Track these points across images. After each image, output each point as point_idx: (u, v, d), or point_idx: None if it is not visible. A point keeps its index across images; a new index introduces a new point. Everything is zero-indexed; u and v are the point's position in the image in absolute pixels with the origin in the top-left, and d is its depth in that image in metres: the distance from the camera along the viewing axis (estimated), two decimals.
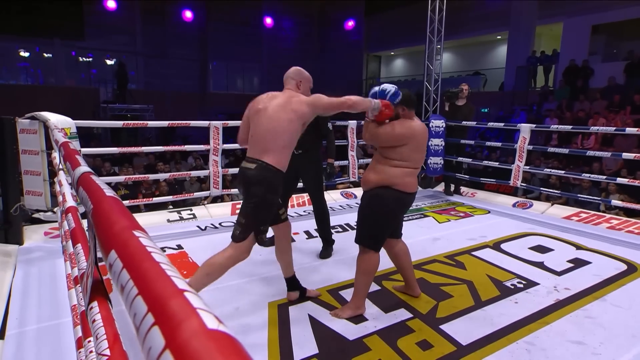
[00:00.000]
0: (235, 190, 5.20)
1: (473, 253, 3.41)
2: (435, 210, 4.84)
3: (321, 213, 3.38)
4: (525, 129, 4.92)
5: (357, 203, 5.19)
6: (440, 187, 6.10)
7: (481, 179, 5.53)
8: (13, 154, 3.36)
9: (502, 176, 5.46)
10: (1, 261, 2.99)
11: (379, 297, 2.62)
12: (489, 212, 4.82)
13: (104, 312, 0.81)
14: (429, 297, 2.62)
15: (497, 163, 5.85)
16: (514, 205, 5.11)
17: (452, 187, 5.78)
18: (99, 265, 0.95)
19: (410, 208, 4.92)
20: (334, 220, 4.30)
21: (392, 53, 18.85)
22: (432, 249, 3.49)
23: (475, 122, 5.51)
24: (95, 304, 0.84)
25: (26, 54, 14.36)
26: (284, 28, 18.09)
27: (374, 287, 2.75)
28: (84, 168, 0.90)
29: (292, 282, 2.56)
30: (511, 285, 2.81)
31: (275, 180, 2.14)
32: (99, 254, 0.57)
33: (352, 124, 5.34)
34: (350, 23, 17.64)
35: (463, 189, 5.82)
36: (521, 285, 2.80)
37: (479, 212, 4.79)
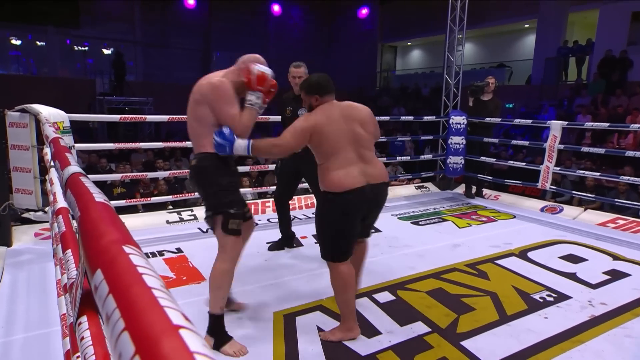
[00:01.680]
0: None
1: (497, 262, 3.35)
2: (455, 214, 4.78)
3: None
4: (556, 126, 4.82)
5: None
6: (460, 189, 6.02)
7: (506, 180, 5.44)
8: (2, 149, 3.38)
9: (528, 178, 5.37)
10: None
11: (394, 308, 2.59)
12: (514, 216, 4.75)
13: (94, 328, 0.78)
14: (449, 309, 2.57)
15: (524, 163, 5.75)
16: (542, 210, 5.02)
17: (474, 189, 5.70)
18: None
19: (428, 211, 4.93)
20: None
21: (409, 43, 18.71)
22: (451, 257, 3.44)
23: (500, 119, 5.42)
24: (84, 318, 0.82)
25: (18, 42, 14.52)
26: (292, 16, 18.05)
27: (388, 297, 2.72)
28: (73, 168, 0.87)
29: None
30: (540, 298, 2.75)
31: (217, 164, 2.14)
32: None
33: None
34: (364, 11, 17.53)
35: (485, 191, 5.74)
36: (551, 299, 2.74)
37: (503, 217, 4.73)
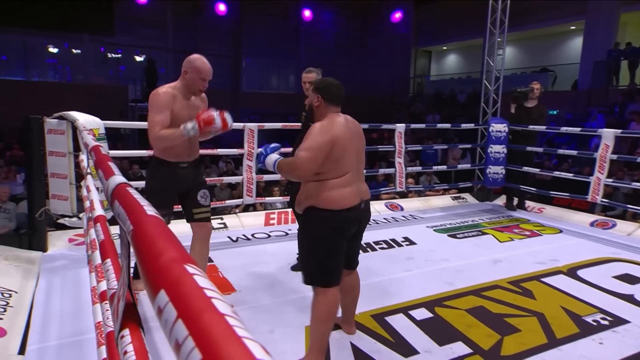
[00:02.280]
0: (269, 199, 5.22)
1: (543, 279, 3.23)
2: (495, 227, 4.66)
3: None
4: (608, 135, 4.63)
5: (403, 216, 5.11)
6: (500, 201, 5.86)
7: (551, 192, 5.25)
8: (40, 155, 3.52)
9: (575, 189, 5.16)
10: (25, 269, 3.12)
11: (432, 327, 2.53)
12: (561, 231, 4.58)
13: (137, 343, 0.79)
14: (491, 329, 2.49)
15: (571, 174, 5.54)
16: (591, 225, 4.82)
17: (515, 201, 5.54)
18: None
19: (466, 223, 4.82)
20: (376, 235, 4.25)
21: (445, 48, 18.52)
22: (492, 273, 3.35)
23: (545, 127, 5.25)
24: (126, 331, 0.82)
25: (55, 50, 15.24)
26: (323, 21, 18.19)
27: (425, 314, 2.67)
28: (119, 178, 0.89)
29: None
30: (593, 321, 2.62)
31: (152, 166, 2.58)
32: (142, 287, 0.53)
33: (400, 127, 5.24)
34: (398, 15, 17.46)
35: (528, 203, 5.56)
36: (606, 322, 2.60)
37: (549, 231, 4.57)
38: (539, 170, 5.61)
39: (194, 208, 2.65)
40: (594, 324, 2.59)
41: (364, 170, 2.25)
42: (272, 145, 2.21)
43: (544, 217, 5.18)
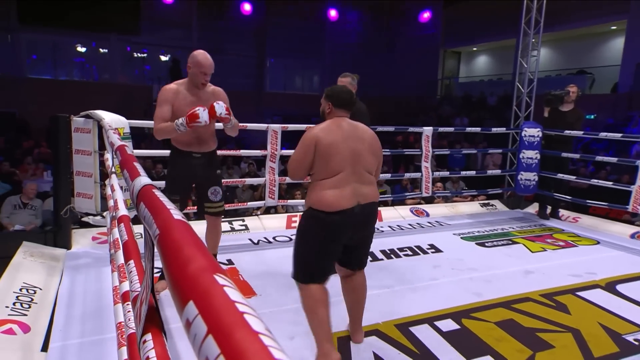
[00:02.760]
0: (291, 201, 5.22)
1: (578, 293, 3.13)
2: (527, 237, 4.54)
3: None
4: None
5: (429, 222, 5.04)
6: (532, 209, 5.72)
7: (588, 201, 5.08)
8: (66, 153, 3.61)
9: (613, 198, 4.98)
10: (49, 266, 3.20)
11: (459, 339, 2.47)
12: (598, 242, 4.44)
13: (159, 348, 0.79)
14: (522, 344, 2.42)
15: (610, 182, 5.35)
16: (632, 237, 4.64)
17: (548, 209, 5.39)
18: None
19: (495, 231, 4.72)
20: (401, 241, 4.21)
21: (474, 49, 18.25)
22: (523, 284, 3.26)
23: (581, 132, 5.09)
24: (149, 336, 0.82)
25: (83, 49, 15.70)
26: (349, 21, 18.17)
27: (452, 325, 2.61)
28: (144, 179, 0.89)
29: None
30: (635, 340, 2.51)
31: (171, 153, 2.91)
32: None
33: (427, 130, 5.17)
34: (426, 15, 17.30)
35: (562, 212, 5.40)
36: None
37: (585, 242, 4.42)
38: (574, 177, 5.45)
39: (205, 202, 2.96)
40: (636, 343, 2.48)
41: (379, 174, 2.32)
42: None
43: (579, 227, 5.03)
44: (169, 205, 0.70)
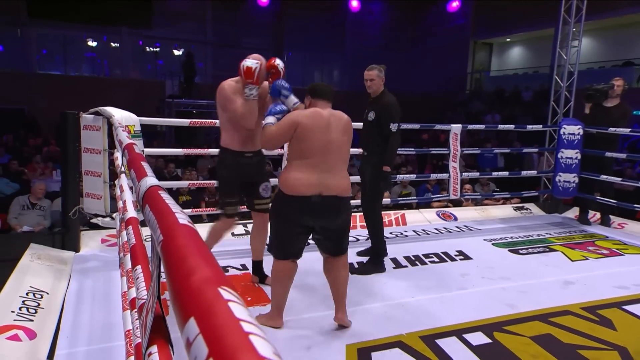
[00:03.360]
0: None
1: (625, 307, 3.03)
2: (566, 244, 4.44)
3: (372, 225, 3.60)
4: None
5: (457, 227, 4.97)
6: (572, 213, 5.59)
7: (635, 205, 4.93)
8: (75, 152, 3.67)
9: None
10: (57, 269, 3.25)
11: (490, 354, 2.43)
12: None
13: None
14: None
15: None
16: None
17: (596, 215, 5.25)
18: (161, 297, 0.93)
19: (530, 238, 4.62)
20: (427, 247, 4.18)
21: (508, 39, 17.97)
22: (562, 296, 3.18)
23: (628, 129, 4.94)
24: (154, 348, 0.81)
25: (94, 44, 16.03)
26: (372, 12, 18.10)
27: (483, 339, 2.57)
28: (151, 180, 0.88)
29: (258, 268, 3.26)
30: None
31: (220, 156, 3.01)
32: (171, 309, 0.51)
33: (456, 128, 5.10)
34: (455, 3, 17.10)
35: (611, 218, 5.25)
36: None
37: (632, 251, 4.29)
38: (619, 179, 5.29)
39: (256, 199, 3.11)
40: None
41: (345, 166, 2.55)
42: (278, 107, 2.58)
43: (625, 233, 4.89)
44: (175, 208, 0.69)
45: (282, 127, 2.43)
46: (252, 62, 2.71)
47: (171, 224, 0.62)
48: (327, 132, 2.39)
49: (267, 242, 2.58)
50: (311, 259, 3.71)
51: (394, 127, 3.37)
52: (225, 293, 0.41)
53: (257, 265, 3.27)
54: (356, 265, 3.58)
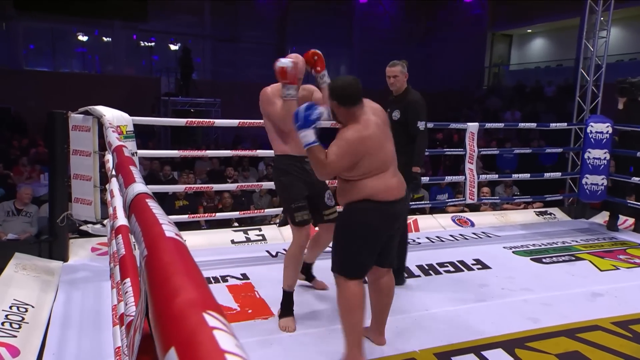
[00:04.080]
0: None
1: None
2: (594, 252, 4.41)
3: None
4: None
5: (474, 233, 4.95)
6: (600, 218, 5.54)
7: None
8: (63, 154, 3.68)
9: None
10: (43, 280, 3.26)
11: None
12: None
13: None
14: None
15: None
16: None
17: (629, 221, 5.22)
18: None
19: (554, 245, 4.58)
20: (441, 255, 4.17)
21: (529, 30, 17.89)
22: (591, 309, 3.15)
23: None
24: None
25: (84, 38, 16.12)
26: (382, 3, 18.09)
27: (503, 356, 2.57)
28: (139, 187, 0.87)
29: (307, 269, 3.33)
30: None
31: (278, 164, 3.01)
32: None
33: (472, 127, 5.07)
34: None
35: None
36: None
37: None
38: None
39: (324, 210, 3.09)
40: None
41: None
42: (317, 111, 2.32)
43: None
44: (163, 219, 0.67)
45: (346, 152, 2.28)
46: (285, 60, 2.75)
47: (157, 236, 0.60)
48: (384, 133, 2.41)
49: (338, 264, 2.44)
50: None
51: (421, 125, 3.37)
52: (211, 319, 0.39)
53: (308, 267, 3.36)
54: None
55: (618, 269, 4.01)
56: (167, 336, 0.39)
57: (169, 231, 0.61)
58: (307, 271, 3.34)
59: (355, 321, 2.35)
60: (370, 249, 2.39)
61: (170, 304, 0.42)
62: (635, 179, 4.96)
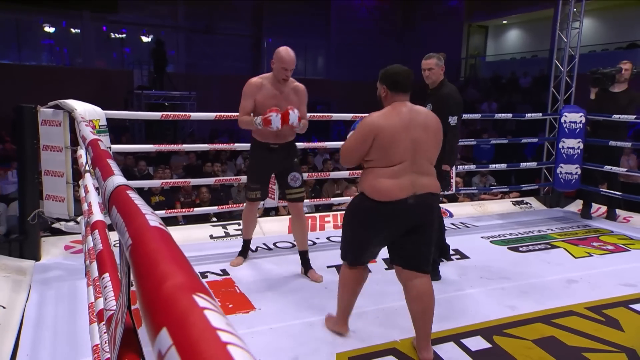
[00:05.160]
0: None
1: (632, 306, 3.09)
2: (569, 240, 4.51)
3: None
4: None
5: (452, 224, 5.02)
6: (575, 207, 5.68)
7: None
8: (33, 150, 3.61)
9: None
10: (14, 280, 3.20)
11: (490, 359, 2.47)
12: None
13: None
14: None
15: None
16: None
17: (598, 210, 5.34)
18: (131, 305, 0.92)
19: (531, 234, 4.68)
20: None
21: (504, 22, 18.12)
22: (566, 296, 3.24)
23: (634, 116, 5.01)
24: None
25: (51, 30, 15.71)
26: None
27: (482, 343, 2.61)
28: (118, 179, 0.87)
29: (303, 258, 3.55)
30: None
31: (251, 148, 3.55)
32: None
33: (452, 120, 5.12)
34: None
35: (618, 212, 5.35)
36: None
37: (639, 246, 4.37)
38: (625, 170, 5.39)
39: (286, 189, 3.49)
40: None
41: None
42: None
43: (632, 227, 4.98)
44: (146, 209, 0.68)
45: (358, 137, 2.37)
46: (276, 119, 3.13)
47: (141, 226, 0.61)
48: (410, 131, 2.32)
49: (342, 251, 2.58)
50: (285, 260, 3.76)
51: (452, 120, 3.31)
52: (201, 300, 0.40)
53: (303, 255, 3.55)
54: None
55: (591, 255, 4.11)
56: (158, 318, 0.40)
57: (153, 220, 0.62)
58: (303, 261, 3.54)
59: (345, 297, 2.59)
60: (362, 241, 2.47)
61: (159, 289, 0.44)
62: (607, 168, 5.11)
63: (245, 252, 3.80)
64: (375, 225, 2.39)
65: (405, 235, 2.39)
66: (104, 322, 1.33)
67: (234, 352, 0.33)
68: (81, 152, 3.10)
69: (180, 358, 0.34)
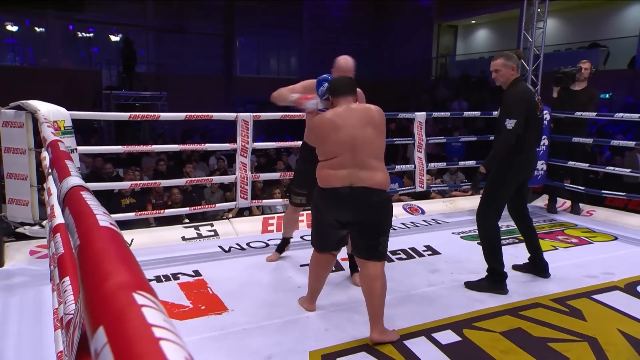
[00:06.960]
0: (267, 202, 5.19)
1: (594, 297, 3.18)
2: None
3: (480, 235, 3.56)
4: None
5: (424, 220, 5.08)
6: (541, 202, 5.79)
7: (603, 191, 5.17)
8: None
9: (632, 188, 5.09)
10: None
11: (460, 352, 2.50)
12: (616, 238, 4.51)
13: None
14: (532, 356, 2.45)
15: (629, 170, 5.46)
16: None
17: (563, 204, 5.46)
18: None
19: (500, 229, 4.75)
20: (393, 243, 4.13)
21: (473, 22, 18.41)
22: (532, 288, 3.31)
23: (595, 113, 5.16)
24: None
25: (14, 29, 15.28)
26: None
27: (452, 337, 2.66)
28: (73, 180, 0.85)
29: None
30: None
31: (301, 152, 3.70)
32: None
33: (420, 116, 5.20)
34: None
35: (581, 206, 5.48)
36: None
37: (601, 238, 4.50)
38: (587, 165, 5.54)
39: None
40: None
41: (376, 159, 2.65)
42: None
43: (594, 221, 5.10)
44: (98, 209, 0.67)
45: (313, 127, 2.80)
46: (309, 103, 3.19)
47: (89, 226, 0.60)
48: (347, 128, 2.55)
49: (311, 237, 2.85)
50: (258, 260, 3.75)
51: (509, 123, 3.13)
52: (141, 298, 0.40)
53: (286, 241, 3.82)
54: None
55: (557, 249, 4.21)
56: (95, 318, 0.40)
57: (103, 221, 0.61)
58: (283, 247, 3.79)
59: (313, 279, 2.87)
60: (318, 224, 2.76)
61: (100, 287, 0.43)
62: (571, 163, 5.24)
63: (282, 248, 3.82)
64: (321, 207, 2.70)
65: (353, 226, 2.63)
66: (64, 326, 1.30)
67: (166, 348, 0.33)
68: (45, 154, 3.03)
69: (113, 355, 0.34)
